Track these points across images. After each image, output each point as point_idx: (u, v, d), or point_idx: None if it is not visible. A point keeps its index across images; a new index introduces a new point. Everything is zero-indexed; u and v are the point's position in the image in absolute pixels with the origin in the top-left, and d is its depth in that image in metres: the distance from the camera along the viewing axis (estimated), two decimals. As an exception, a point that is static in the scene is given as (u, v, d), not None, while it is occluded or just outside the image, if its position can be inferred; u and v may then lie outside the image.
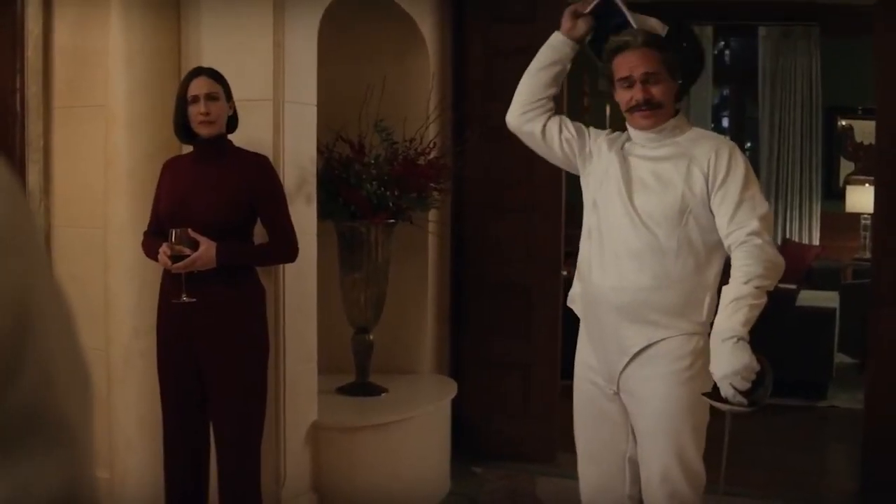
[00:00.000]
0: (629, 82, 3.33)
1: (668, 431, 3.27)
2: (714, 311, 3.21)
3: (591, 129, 3.62)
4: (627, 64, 3.33)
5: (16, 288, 0.75)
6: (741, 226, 3.16)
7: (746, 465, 5.26)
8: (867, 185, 9.16)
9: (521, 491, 5.45)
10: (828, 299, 7.89)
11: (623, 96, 3.37)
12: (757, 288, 3.08)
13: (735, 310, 3.05)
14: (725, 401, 3.04)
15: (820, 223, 10.47)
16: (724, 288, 3.16)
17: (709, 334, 3.17)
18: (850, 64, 9.72)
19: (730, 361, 2.99)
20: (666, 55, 3.35)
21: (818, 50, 10.25)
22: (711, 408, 3.23)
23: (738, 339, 3.00)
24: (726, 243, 3.22)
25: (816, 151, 10.43)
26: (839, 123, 10.56)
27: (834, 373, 7.67)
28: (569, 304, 3.58)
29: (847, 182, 10.24)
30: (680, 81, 3.42)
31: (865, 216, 9.42)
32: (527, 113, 3.62)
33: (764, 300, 3.11)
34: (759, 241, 3.14)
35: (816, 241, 10.34)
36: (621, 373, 3.32)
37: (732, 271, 3.16)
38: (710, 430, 3.37)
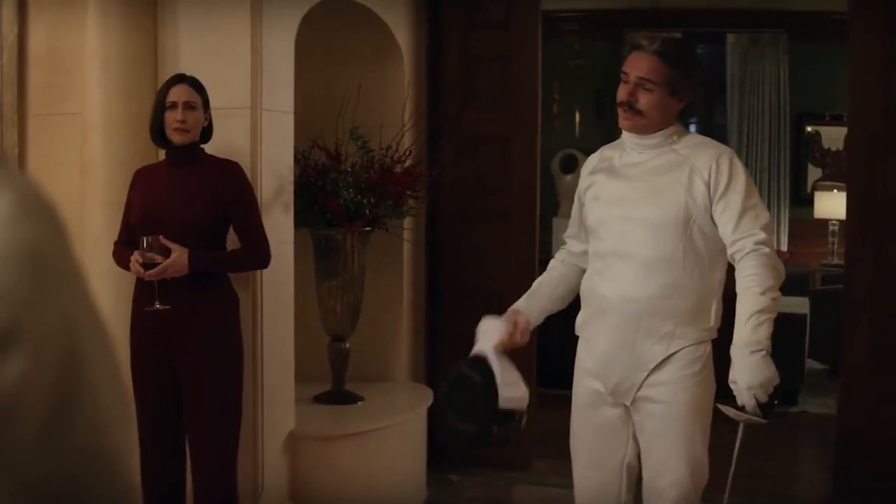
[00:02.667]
0: (626, 80, 3.35)
1: (680, 436, 3.28)
2: (719, 316, 3.26)
3: (577, 194, 3.64)
4: (632, 63, 3.34)
5: (63, 322, 0.75)
6: (747, 234, 3.18)
7: (718, 471, 5.28)
8: (835, 190, 9.23)
9: (498, 499, 5.45)
10: (798, 305, 7.92)
11: (618, 91, 3.39)
12: (773, 300, 3.11)
13: (759, 323, 3.06)
14: (741, 410, 3.06)
15: (788, 229, 10.53)
16: (739, 297, 3.15)
17: (713, 339, 3.19)
18: (817, 71, 9.80)
19: (756, 374, 3.00)
20: (673, 71, 3.32)
21: (786, 57, 10.31)
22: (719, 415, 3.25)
23: (766, 353, 3.03)
24: (730, 251, 3.22)
25: (784, 158, 10.49)
26: (806, 130, 10.63)
27: (805, 378, 7.71)
28: (576, 331, 3.57)
29: (815, 188, 10.31)
30: (684, 102, 3.39)
31: (833, 222, 9.50)
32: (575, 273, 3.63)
33: (776, 312, 3.14)
34: (767, 250, 3.16)
35: (785, 248, 10.40)
36: (640, 386, 3.33)
37: (742, 280, 3.16)
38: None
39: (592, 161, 3.59)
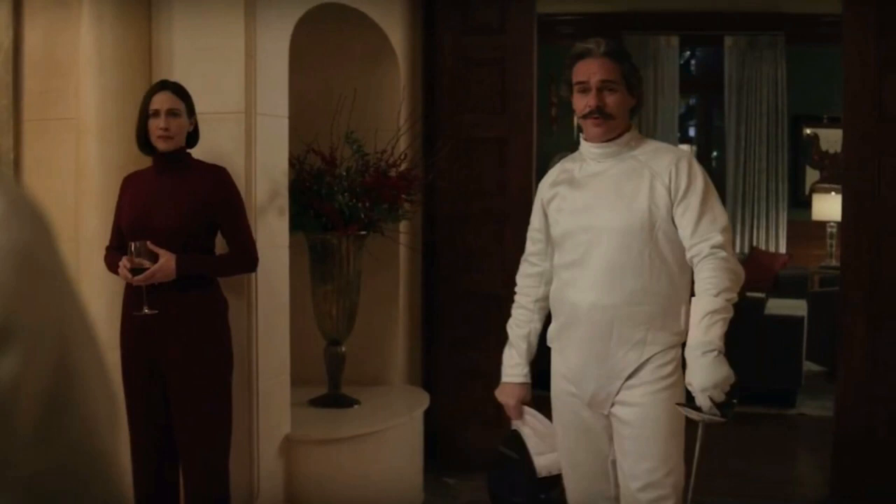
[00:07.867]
0: (585, 88, 3.36)
1: (654, 440, 3.30)
2: (689, 319, 3.26)
3: (535, 202, 3.67)
4: (586, 70, 3.36)
5: (55, 322, 0.76)
6: (704, 238, 3.22)
7: (716, 474, 5.28)
8: (833, 192, 9.22)
9: (495, 501, 5.44)
10: (796, 307, 7.92)
11: (579, 102, 3.40)
12: (727, 301, 3.15)
13: (711, 323, 3.10)
14: (699, 411, 3.09)
15: (787, 231, 10.52)
16: (694, 300, 3.21)
17: (684, 343, 3.21)
18: (815, 73, 9.80)
19: (710, 374, 3.04)
20: (625, 68, 3.38)
21: (784, 59, 10.32)
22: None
23: (718, 353, 3.05)
24: (689, 255, 3.27)
25: (782, 160, 10.50)
26: (804, 132, 10.63)
27: (803, 381, 7.70)
28: (548, 342, 3.59)
29: (813, 190, 10.31)
30: (636, 99, 3.44)
31: (831, 224, 9.49)
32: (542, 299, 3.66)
33: (732, 313, 3.18)
34: (723, 253, 3.20)
35: (783, 250, 10.40)
36: (615, 395, 3.34)
37: (699, 283, 3.21)
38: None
39: (553, 174, 3.60)
